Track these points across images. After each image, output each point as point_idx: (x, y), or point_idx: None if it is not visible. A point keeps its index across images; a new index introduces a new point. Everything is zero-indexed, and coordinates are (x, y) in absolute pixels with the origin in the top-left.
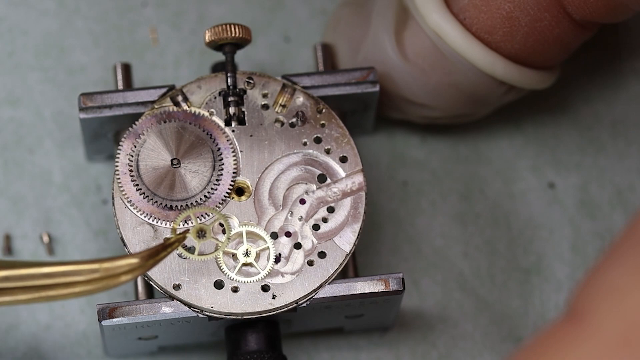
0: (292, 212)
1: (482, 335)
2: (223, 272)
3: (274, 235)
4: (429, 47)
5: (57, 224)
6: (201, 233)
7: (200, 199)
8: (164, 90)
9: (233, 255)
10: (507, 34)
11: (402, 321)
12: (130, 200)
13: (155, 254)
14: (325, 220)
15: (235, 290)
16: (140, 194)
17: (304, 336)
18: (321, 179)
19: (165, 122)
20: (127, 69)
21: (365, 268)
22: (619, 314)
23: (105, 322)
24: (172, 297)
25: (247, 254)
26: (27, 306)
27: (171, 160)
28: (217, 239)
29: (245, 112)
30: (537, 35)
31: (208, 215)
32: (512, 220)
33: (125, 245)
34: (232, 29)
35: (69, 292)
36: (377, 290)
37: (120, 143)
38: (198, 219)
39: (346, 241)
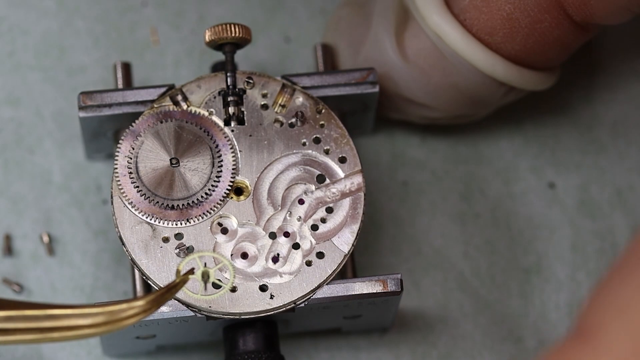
0: (290, 212)
1: (482, 335)
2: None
3: (273, 236)
4: (429, 48)
5: (57, 224)
6: (205, 277)
7: (202, 196)
8: (163, 89)
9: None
10: (507, 35)
11: (402, 321)
12: (132, 202)
13: (159, 297)
14: (323, 220)
15: (233, 290)
16: (140, 195)
17: (304, 336)
18: (320, 179)
19: (162, 122)
20: (127, 67)
21: (365, 268)
22: (629, 331)
23: None
24: None
25: (204, 277)
26: None
27: (170, 160)
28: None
29: (245, 112)
30: (538, 36)
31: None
32: (512, 220)
33: (123, 244)
34: (232, 28)
35: (73, 335)
36: (375, 291)
37: (119, 144)
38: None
39: (344, 242)
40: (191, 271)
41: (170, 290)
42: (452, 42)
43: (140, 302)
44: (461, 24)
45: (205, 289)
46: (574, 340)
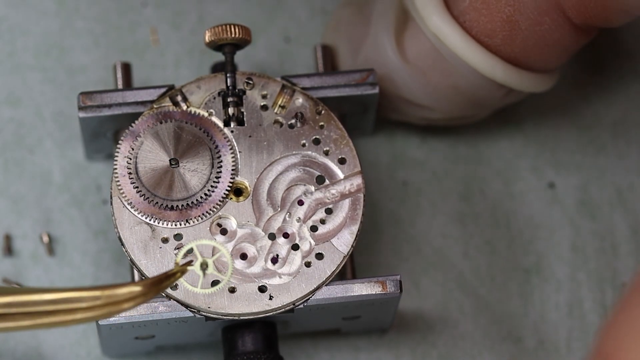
0: (290, 213)
1: (482, 335)
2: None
3: (272, 237)
4: (429, 49)
5: (57, 224)
6: (204, 266)
7: (201, 197)
8: (163, 90)
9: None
10: (507, 37)
11: (402, 321)
12: (131, 202)
13: (158, 283)
14: (323, 221)
15: (232, 290)
16: (140, 196)
17: (304, 337)
18: (320, 180)
19: (161, 122)
20: (126, 68)
21: (365, 268)
22: None
23: (102, 322)
24: (169, 297)
25: (203, 267)
26: None
27: (169, 161)
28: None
29: (245, 113)
30: (537, 39)
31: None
32: (512, 220)
33: (122, 244)
34: (232, 29)
35: (71, 319)
36: (374, 293)
37: (118, 145)
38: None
39: (344, 243)
40: (190, 262)
41: (169, 278)
42: (452, 43)
43: (138, 287)
44: (461, 25)
45: (204, 276)
46: None
